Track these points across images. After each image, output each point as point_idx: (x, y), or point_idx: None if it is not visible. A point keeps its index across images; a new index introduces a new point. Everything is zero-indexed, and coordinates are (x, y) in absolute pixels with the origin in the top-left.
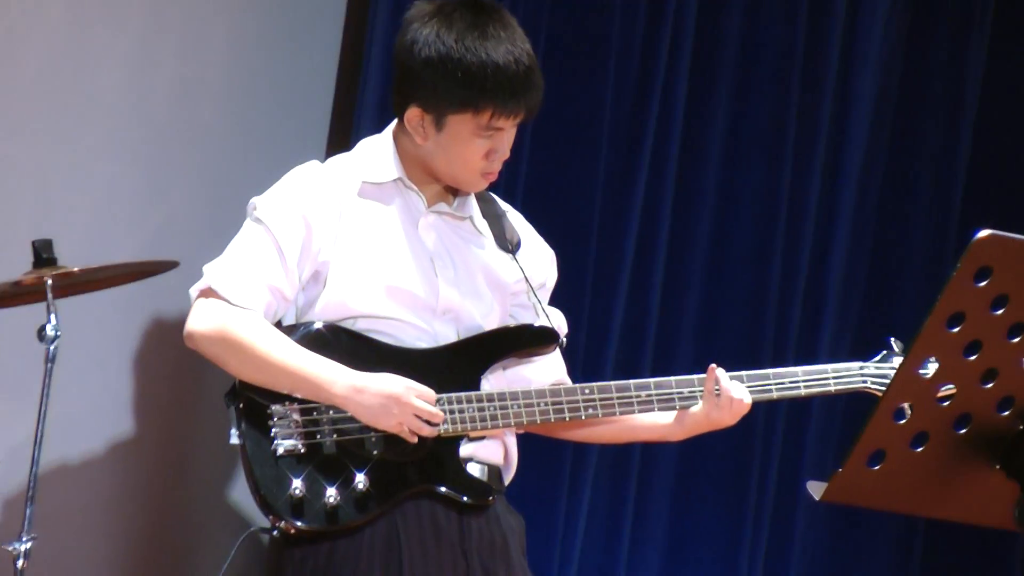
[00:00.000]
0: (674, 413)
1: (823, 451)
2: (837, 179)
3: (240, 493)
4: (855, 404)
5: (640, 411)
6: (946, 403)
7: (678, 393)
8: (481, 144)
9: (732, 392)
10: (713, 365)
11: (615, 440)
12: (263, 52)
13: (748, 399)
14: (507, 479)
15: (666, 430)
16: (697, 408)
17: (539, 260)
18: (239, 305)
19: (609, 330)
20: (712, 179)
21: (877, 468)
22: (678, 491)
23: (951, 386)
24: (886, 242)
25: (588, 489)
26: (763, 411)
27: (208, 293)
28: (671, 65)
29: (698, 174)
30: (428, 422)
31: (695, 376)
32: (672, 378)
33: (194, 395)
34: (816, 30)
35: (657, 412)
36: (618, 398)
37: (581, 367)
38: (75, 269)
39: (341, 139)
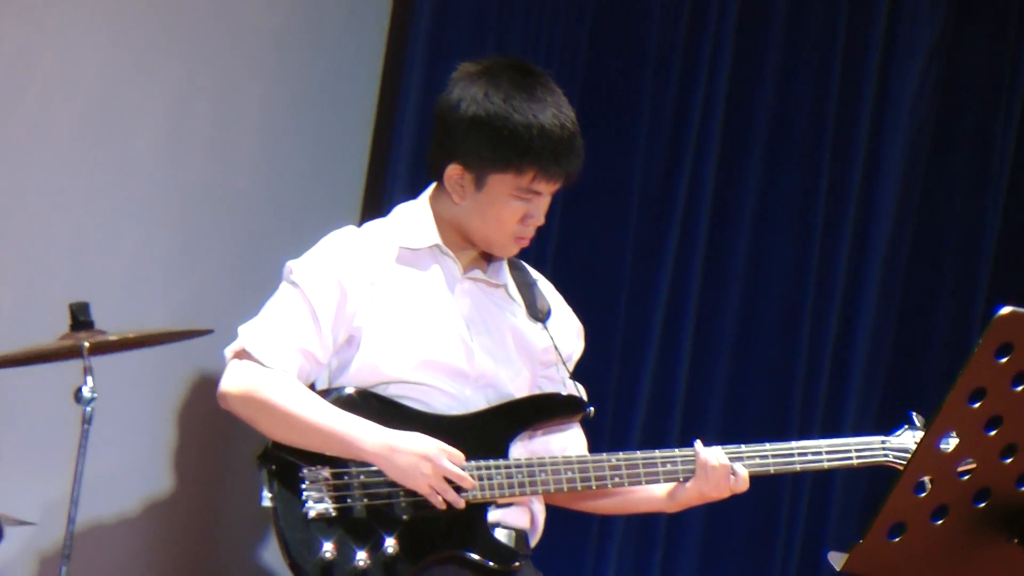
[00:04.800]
0: (668, 486)
1: (846, 522)
2: (864, 251)
3: (271, 555)
4: (877, 476)
5: (665, 480)
6: (966, 477)
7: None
8: (518, 206)
9: (710, 460)
10: (697, 442)
11: (614, 511)
12: (296, 117)
13: (729, 464)
14: (533, 542)
15: (660, 503)
16: (691, 482)
17: (567, 331)
18: (271, 367)
19: (636, 398)
20: (741, 249)
21: (897, 540)
22: (703, 560)
23: (971, 461)
24: (912, 315)
25: (614, 556)
26: (789, 483)
27: (242, 354)
28: (702, 134)
29: (727, 244)
30: (456, 487)
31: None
32: (676, 451)
33: (226, 456)
34: (846, 104)
35: (659, 484)
36: (644, 467)
37: (608, 436)
38: (112, 338)
39: (374, 203)
